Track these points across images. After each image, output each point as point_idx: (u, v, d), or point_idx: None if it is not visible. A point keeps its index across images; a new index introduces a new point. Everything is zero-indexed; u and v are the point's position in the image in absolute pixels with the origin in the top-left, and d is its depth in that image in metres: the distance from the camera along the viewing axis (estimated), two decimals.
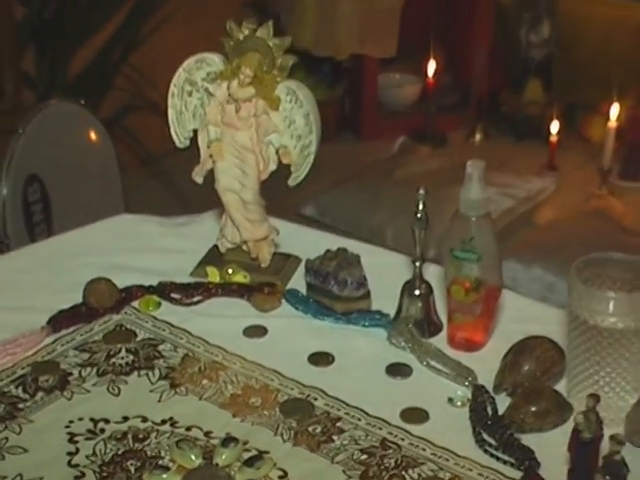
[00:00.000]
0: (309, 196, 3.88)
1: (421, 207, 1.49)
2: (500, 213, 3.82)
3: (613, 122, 4.01)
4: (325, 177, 3.96)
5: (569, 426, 1.24)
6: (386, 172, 4.09)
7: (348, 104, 4.60)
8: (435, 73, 4.47)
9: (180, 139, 1.66)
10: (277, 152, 1.61)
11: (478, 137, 4.56)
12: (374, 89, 4.54)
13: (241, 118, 1.58)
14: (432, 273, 1.58)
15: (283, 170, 1.63)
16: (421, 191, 1.49)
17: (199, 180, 1.65)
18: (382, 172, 4.11)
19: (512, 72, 4.72)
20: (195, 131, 1.65)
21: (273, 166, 1.62)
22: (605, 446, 1.17)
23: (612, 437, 1.15)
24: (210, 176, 1.64)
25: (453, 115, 4.65)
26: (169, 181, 3.48)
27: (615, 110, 4.01)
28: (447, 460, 1.31)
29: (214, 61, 1.60)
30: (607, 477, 1.16)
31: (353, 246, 1.64)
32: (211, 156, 1.62)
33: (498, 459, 1.31)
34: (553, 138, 4.23)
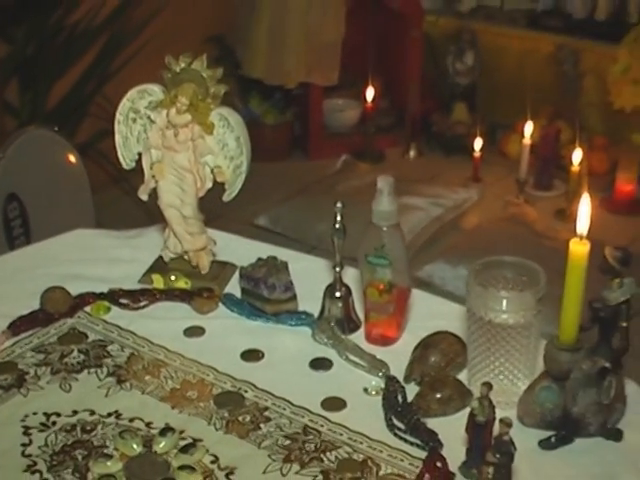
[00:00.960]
0: (262, 208, 3.87)
1: (339, 218, 1.48)
2: (431, 220, 3.82)
3: (528, 139, 4.04)
4: (277, 191, 3.96)
5: (468, 411, 1.22)
6: (330, 186, 4.09)
7: (297, 127, 4.59)
8: (373, 98, 4.49)
9: (126, 161, 1.64)
10: (212, 172, 1.59)
11: (412, 154, 4.57)
12: (320, 113, 4.53)
13: (179, 142, 1.56)
14: (351, 276, 1.56)
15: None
16: (338, 204, 1.47)
17: (144, 197, 1.63)
18: (327, 186, 4.11)
19: (441, 96, 4.74)
20: (139, 154, 1.62)
21: (209, 184, 1.60)
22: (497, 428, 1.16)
23: (501, 420, 1.14)
24: (156, 194, 1.62)
25: (389, 135, 4.65)
26: (137, 197, 3.45)
27: (529, 129, 4.04)
28: (361, 443, 1.30)
29: (154, 91, 1.58)
30: (497, 455, 1.14)
31: (282, 254, 1.62)
32: (154, 176, 1.60)
33: (406, 441, 1.30)
34: (477, 154, 4.26)
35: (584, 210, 1.23)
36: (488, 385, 1.19)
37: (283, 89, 4.42)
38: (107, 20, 3.78)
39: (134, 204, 3.46)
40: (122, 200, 3.71)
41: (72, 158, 3.05)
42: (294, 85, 4.39)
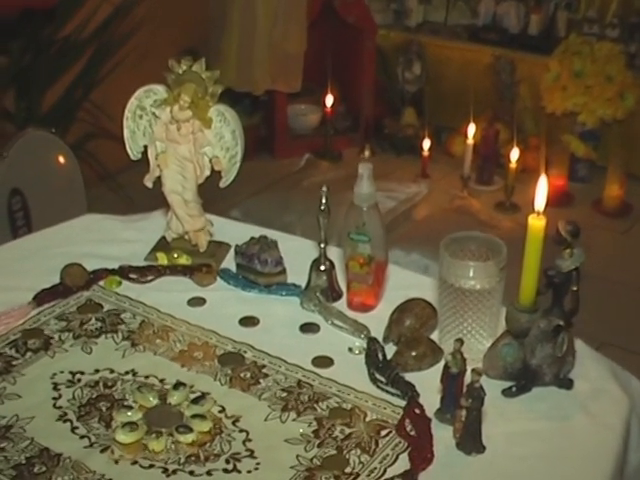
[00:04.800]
0: (235, 202, 3.88)
1: (324, 201, 1.52)
2: (385, 211, 3.85)
3: (470, 140, 4.08)
4: (246, 188, 3.97)
5: (441, 365, 1.28)
6: (295, 182, 4.11)
7: (264, 129, 4.60)
8: (332, 104, 4.50)
9: (134, 153, 1.66)
10: (210, 161, 1.63)
11: (367, 153, 4.56)
12: (284, 117, 4.54)
13: (182, 135, 1.59)
14: (333, 253, 1.60)
15: (214, 182, 1.65)
16: (324, 189, 1.52)
17: (149, 185, 1.65)
18: (291, 182, 4.13)
19: (392, 102, 4.76)
20: (145, 146, 1.65)
21: (207, 172, 1.64)
22: (468, 378, 1.22)
23: (473, 370, 1.20)
24: (157, 185, 1.66)
25: (346, 137, 4.66)
26: (123, 193, 3.47)
27: (472, 130, 4.08)
28: (349, 394, 1.34)
29: (159, 90, 1.61)
30: (469, 400, 1.20)
31: (271, 234, 1.66)
32: (158, 166, 1.63)
33: (388, 392, 1.34)
34: (425, 153, 4.29)
35: (542, 189, 1.28)
36: (460, 341, 1.24)
37: (251, 95, 4.43)
38: (94, 34, 3.77)
39: (119, 200, 3.49)
40: (108, 196, 3.71)
41: (66, 157, 3.06)
42: (261, 92, 4.40)
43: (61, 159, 3.05)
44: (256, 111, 4.54)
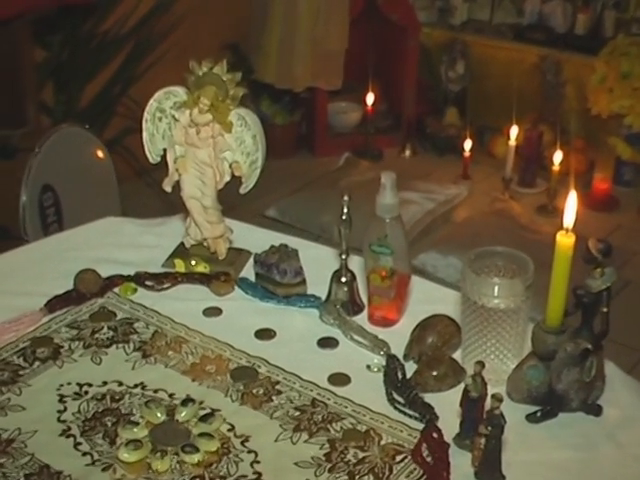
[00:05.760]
0: (271, 201, 3.85)
1: (345, 210, 1.46)
2: (424, 213, 3.81)
3: (513, 141, 4.02)
4: (284, 186, 3.94)
5: (462, 386, 1.21)
6: (334, 181, 4.06)
7: (304, 127, 4.57)
8: (373, 102, 4.47)
9: (152, 156, 1.62)
10: (230, 166, 1.58)
11: (407, 153, 4.55)
12: (324, 115, 4.51)
13: (201, 139, 1.54)
14: (355, 263, 1.54)
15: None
16: (345, 197, 1.46)
17: (168, 189, 1.61)
18: (330, 181, 4.08)
19: (434, 101, 4.72)
20: (164, 150, 1.60)
21: (227, 177, 1.58)
22: (489, 403, 1.15)
23: (493, 396, 1.14)
24: (179, 186, 1.61)
25: (387, 136, 4.62)
26: (159, 188, 3.44)
27: (515, 132, 4.03)
28: (364, 415, 1.29)
29: (179, 93, 1.56)
30: (489, 427, 1.14)
31: (292, 242, 1.60)
32: (177, 170, 1.59)
33: (405, 414, 1.29)
34: (467, 154, 4.24)
35: (571, 205, 1.22)
36: (481, 364, 1.18)
37: (291, 93, 4.40)
38: (133, 29, 3.78)
39: (155, 195, 3.46)
40: (144, 191, 3.69)
41: (101, 153, 3.05)
42: (301, 89, 4.37)
43: (95, 155, 3.04)
44: (296, 108, 4.50)
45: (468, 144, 4.23)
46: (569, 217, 1.21)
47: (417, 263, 3.37)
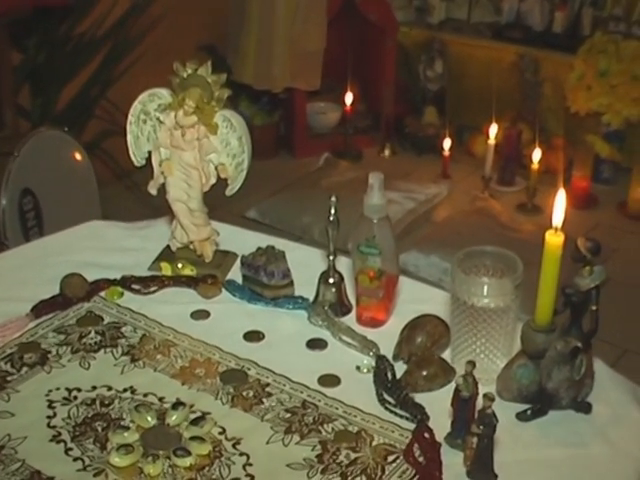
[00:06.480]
0: (252, 202, 3.85)
1: (333, 211, 1.47)
2: (405, 213, 3.81)
3: (492, 140, 4.03)
4: (264, 187, 3.93)
5: (452, 386, 1.22)
6: (313, 182, 4.06)
7: (283, 128, 4.56)
8: (352, 102, 4.47)
9: (137, 159, 1.61)
10: (216, 168, 1.57)
11: (387, 153, 4.55)
12: (303, 116, 4.50)
13: (186, 141, 1.54)
14: (343, 264, 1.55)
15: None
16: (333, 198, 1.46)
17: (153, 192, 1.61)
18: (310, 182, 4.08)
19: (413, 101, 4.72)
20: (149, 152, 1.60)
21: (213, 180, 1.58)
22: (480, 402, 1.16)
23: (485, 395, 1.14)
24: (164, 189, 1.60)
25: (367, 136, 4.62)
26: (139, 192, 3.43)
27: (494, 130, 4.03)
28: (355, 416, 1.29)
29: (163, 95, 1.56)
30: (480, 426, 1.14)
31: (279, 244, 1.60)
32: (162, 172, 1.58)
33: (396, 414, 1.29)
34: (446, 153, 4.25)
35: (559, 204, 1.22)
36: (472, 363, 1.19)
37: (270, 93, 4.39)
38: (110, 31, 3.76)
39: (136, 198, 3.46)
40: (124, 195, 3.68)
41: (80, 156, 3.03)
42: (280, 90, 4.36)
43: (74, 158, 3.02)
44: (275, 109, 4.50)
45: (447, 143, 4.23)
46: (558, 216, 1.21)
47: (399, 264, 3.36)
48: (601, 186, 4.14)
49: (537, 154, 3.92)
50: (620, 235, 3.78)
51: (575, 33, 4.38)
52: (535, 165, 3.92)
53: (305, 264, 1.60)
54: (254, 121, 4.36)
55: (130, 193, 3.57)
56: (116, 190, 3.72)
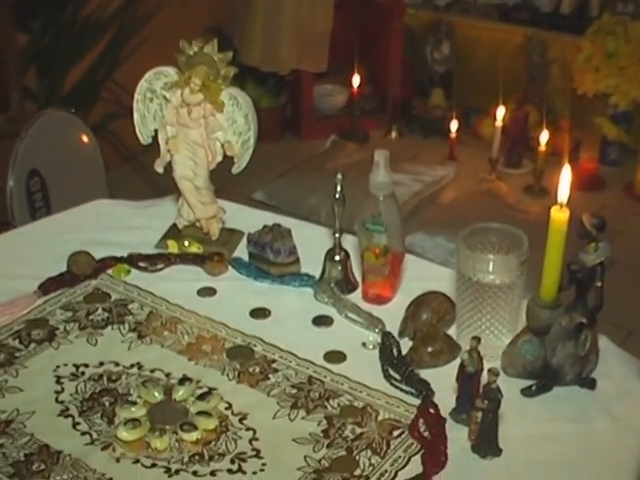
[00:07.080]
0: (259, 184, 3.85)
1: (339, 189, 1.47)
2: (412, 194, 3.82)
3: (499, 122, 4.02)
4: (271, 169, 3.94)
5: (457, 362, 1.22)
6: (320, 164, 4.07)
7: (289, 110, 4.56)
8: (358, 84, 4.47)
9: (144, 137, 1.62)
10: (222, 146, 1.58)
11: (394, 135, 4.55)
12: (310, 98, 4.51)
13: (192, 119, 1.55)
14: (349, 242, 1.55)
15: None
16: (339, 176, 1.47)
17: (160, 170, 1.61)
18: (317, 164, 4.09)
19: (420, 83, 4.72)
20: (156, 130, 1.61)
21: (219, 158, 1.59)
22: (485, 377, 1.16)
23: (489, 370, 1.15)
24: (170, 167, 1.61)
25: (373, 118, 4.62)
26: (146, 173, 3.44)
27: (501, 112, 4.03)
28: (361, 392, 1.30)
29: (170, 73, 1.56)
30: (485, 401, 1.15)
31: (285, 222, 1.61)
32: (169, 150, 1.59)
33: (402, 390, 1.30)
34: (453, 135, 4.25)
35: (565, 181, 1.23)
36: (477, 339, 1.19)
37: (276, 75, 4.39)
38: (116, 12, 3.75)
39: (142, 180, 3.47)
40: (131, 176, 3.69)
41: (87, 138, 3.04)
42: (286, 72, 4.36)
43: (81, 139, 3.03)
44: (282, 91, 4.50)
45: (454, 125, 4.23)
46: (563, 192, 1.22)
47: (405, 244, 3.37)
48: (608, 168, 4.13)
49: (544, 136, 3.92)
50: (627, 217, 3.78)
51: (583, 14, 4.36)
52: (542, 147, 3.92)
53: (311, 242, 1.60)
54: (260, 103, 4.35)
55: (137, 175, 3.58)
56: (123, 172, 3.73)
